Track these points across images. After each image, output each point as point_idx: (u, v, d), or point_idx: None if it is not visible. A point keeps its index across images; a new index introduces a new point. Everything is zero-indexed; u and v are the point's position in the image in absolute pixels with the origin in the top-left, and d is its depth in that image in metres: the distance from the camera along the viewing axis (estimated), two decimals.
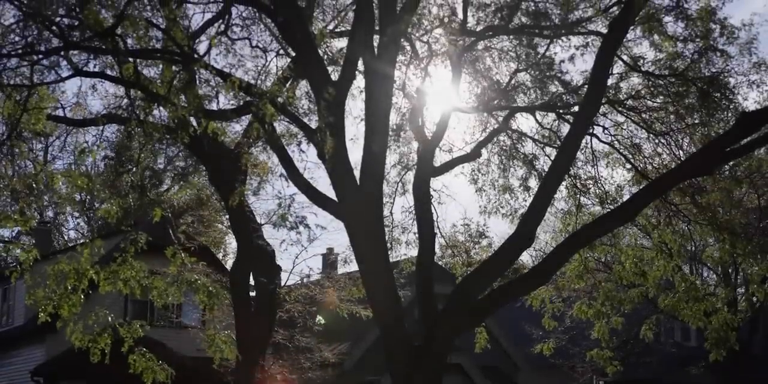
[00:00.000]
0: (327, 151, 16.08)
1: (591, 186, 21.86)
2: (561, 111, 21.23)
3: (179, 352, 30.71)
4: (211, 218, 41.67)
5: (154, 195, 29.36)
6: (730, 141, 17.16)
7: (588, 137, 20.86)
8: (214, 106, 19.31)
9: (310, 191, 17.65)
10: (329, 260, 40.93)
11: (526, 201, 21.72)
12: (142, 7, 16.93)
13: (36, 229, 38.41)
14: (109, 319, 20.97)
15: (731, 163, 21.96)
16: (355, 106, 20.38)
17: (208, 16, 20.44)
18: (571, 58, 20.43)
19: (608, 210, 20.56)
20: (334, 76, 17.47)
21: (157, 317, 33.72)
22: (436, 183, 20.00)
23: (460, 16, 19.81)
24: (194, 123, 17.75)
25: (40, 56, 16.17)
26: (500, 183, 22.30)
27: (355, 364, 35.22)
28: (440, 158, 20.54)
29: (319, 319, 30.73)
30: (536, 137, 21.93)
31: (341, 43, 20.76)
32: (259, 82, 19.45)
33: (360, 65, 17.57)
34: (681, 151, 21.20)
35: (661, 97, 21.11)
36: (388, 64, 16.98)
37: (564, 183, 20.49)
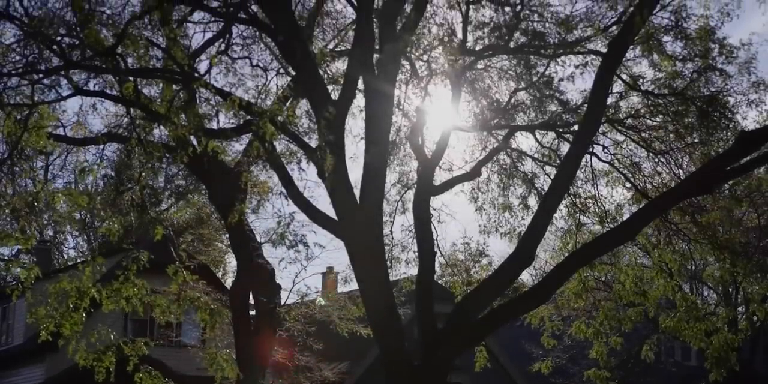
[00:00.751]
0: (327, 170, 16.10)
1: (591, 205, 21.85)
2: (561, 130, 21.25)
3: (179, 371, 30.64)
4: (211, 237, 41.69)
5: (154, 213, 29.37)
6: (730, 160, 17.17)
7: (588, 156, 20.86)
8: (214, 125, 19.35)
9: (310, 210, 17.65)
10: (329, 279, 40.88)
11: (524, 220, 21.74)
12: (143, 27, 17.00)
13: (36, 247, 38.43)
14: (112, 337, 21.02)
15: (731, 182, 21.96)
16: (355, 124, 20.42)
17: (209, 35, 20.47)
18: (571, 77, 20.50)
19: (608, 229, 20.56)
20: (334, 95, 17.51)
21: (157, 336, 33.67)
22: (435, 202, 20.01)
23: (460, 35, 19.87)
24: (194, 142, 17.78)
25: (41, 75, 16.22)
26: (500, 202, 22.31)
27: None
28: (440, 177, 20.56)
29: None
30: (536, 156, 21.94)
31: (341, 62, 20.83)
32: (259, 101, 19.49)
33: (360, 84, 17.61)
34: (681, 170, 21.21)
35: (661, 116, 21.12)
36: (387, 83, 17.02)
37: (564, 202, 20.48)
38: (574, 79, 20.50)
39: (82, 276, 19.09)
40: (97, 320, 23.22)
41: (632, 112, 21.24)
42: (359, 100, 18.27)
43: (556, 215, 19.70)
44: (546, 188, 20.09)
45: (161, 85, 19.15)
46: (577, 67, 20.31)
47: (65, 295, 19.26)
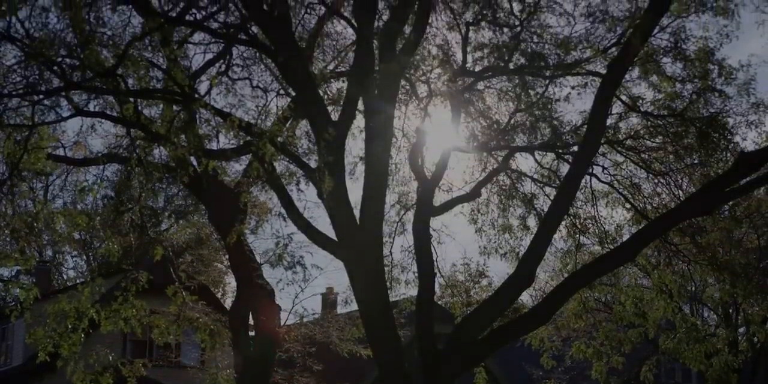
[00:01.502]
0: (326, 191, 16.10)
1: (590, 226, 21.85)
2: (560, 151, 21.26)
3: None
4: (211, 257, 41.60)
5: (153, 234, 29.38)
6: (729, 181, 17.18)
7: (587, 177, 20.87)
8: (214, 146, 19.35)
9: (309, 231, 17.61)
10: (329, 300, 40.82)
11: (524, 240, 21.72)
12: (143, 48, 17.03)
13: (35, 268, 38.39)
14: (110, 358, 21.02)
15: (731, 203, 21.98)
16: (355, 145, 20.42)
17: (209, 56, 20.53)
18: (569, 98, 20.52)
19: (608, 250, 20.55)
20: (334, 116, 17.53)
21: (156, 357, 33.60)
22: (435, 223, 19.99)
23: (460, 56, 19.93)
24: (194, 162, 17.78)
25: (41, 96, 16.23)
26: (500, 223, 22.27)
27: None
28: (440, 198, 20.53)
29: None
30: (536, 177, 21.93)
31: (341, 83, 20.84)
32: (259, 121, 19.49)
33: (360, 105, 17.63)
34: (680, 191, 21.23)
35: (660, 137, 21.15)
36: (387, 105, 17.05)
37: (563, 222, 20.47)
38: (574, 100, 20.57)
39: (81, 297, 19.09)
40: (96, 341, 23.18)
41: (632, 133, 21.28)
42: (359, 121, 18.30)
43: (555, 236, 19.68)
44: (546, 209, 20.09)
45: (161, 105, 19.17)
46: (575, 88, 20.36)
47: (64, 316, 19.25)
